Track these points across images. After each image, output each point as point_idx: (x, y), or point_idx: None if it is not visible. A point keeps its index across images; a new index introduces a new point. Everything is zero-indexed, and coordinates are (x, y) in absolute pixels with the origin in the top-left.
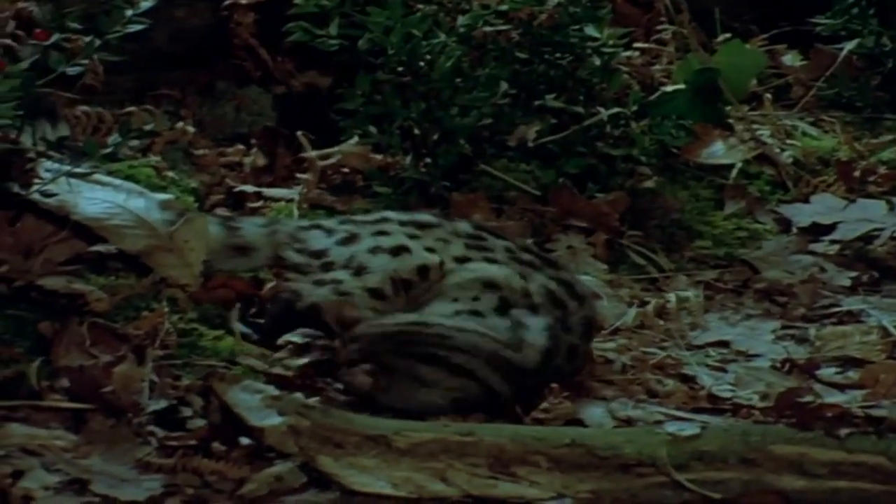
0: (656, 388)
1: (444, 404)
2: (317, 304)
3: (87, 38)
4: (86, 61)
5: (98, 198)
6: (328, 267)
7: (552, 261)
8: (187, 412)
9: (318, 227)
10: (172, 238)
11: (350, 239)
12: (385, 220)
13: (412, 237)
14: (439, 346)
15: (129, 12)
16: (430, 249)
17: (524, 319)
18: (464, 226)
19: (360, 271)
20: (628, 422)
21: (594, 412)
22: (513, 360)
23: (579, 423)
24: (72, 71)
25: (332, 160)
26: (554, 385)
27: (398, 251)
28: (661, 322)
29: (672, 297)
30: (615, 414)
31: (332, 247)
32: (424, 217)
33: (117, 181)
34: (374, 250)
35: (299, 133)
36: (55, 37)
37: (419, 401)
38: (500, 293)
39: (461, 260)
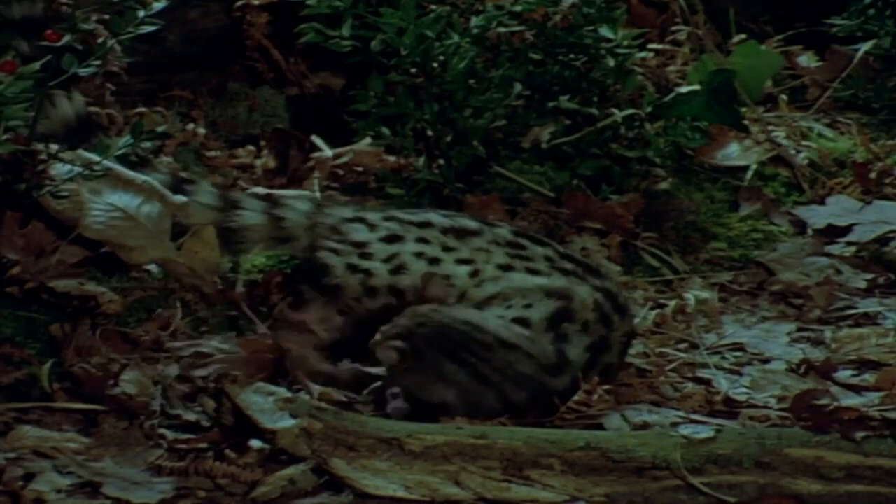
0: (672, 391)
1: (456, 405)
2: (341, 287)
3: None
4: (98, 62)
5: (107, 206)
6: (366, 257)
7: (594, 268)
8: (200, 415)
9: (362, 220)
10: (181, 250)
11: (394, 238)
12: (429, 224)
13: (448, 249)
14: (474, 352)
15: (142, 13)
16: (465, 261)
17: (571, 335)
18: (504, 231)
19: (398, 270)
20: (643, 427)
21: (613, 416)
22: (546, 384)
23: (599, 426)
24: (84, 72)
25: (344, 159)
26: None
27: (432, 262)
28: (678, 324)
29: (690, 296)
30: (629, 420)
31: (374, 241)
32: (467, 223)
33: (139, 178)
34: (419, 256)
35: (313, 137)
36: (66, 38)
37: (432, 394)
38: (560, 303)
39: (505, 268)
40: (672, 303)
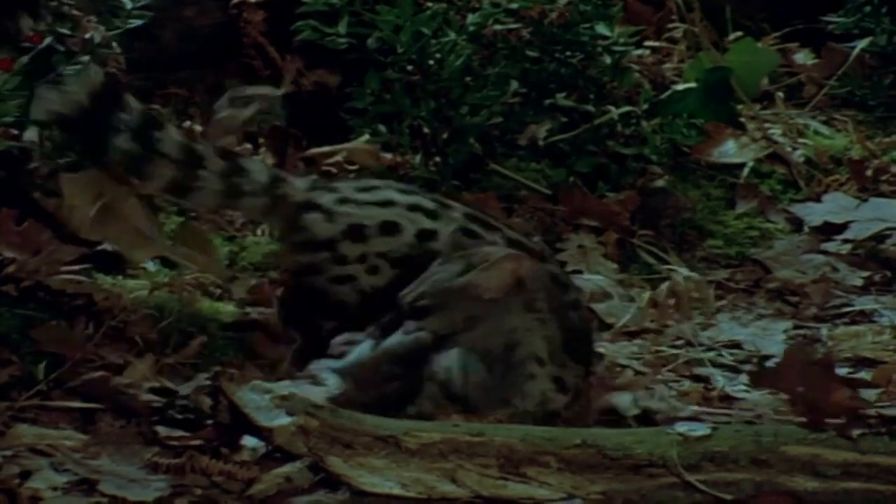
0: (670, 391)
1: (478, 396)
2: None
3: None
4: (86, 58)
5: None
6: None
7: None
8: (196, 413)
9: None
10: (174, 250)
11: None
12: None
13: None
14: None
15: (130, 5)
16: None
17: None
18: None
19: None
20: (648, 413)
21: (624, 398)
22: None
23: (612, 410)
24: (74, 70)
25: (339, 157)
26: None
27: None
28: (672, 309)
29: (679, 276)
30: (638, 402)
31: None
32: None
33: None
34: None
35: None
36: (48, 40)
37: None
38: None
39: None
40: (665, 285)
